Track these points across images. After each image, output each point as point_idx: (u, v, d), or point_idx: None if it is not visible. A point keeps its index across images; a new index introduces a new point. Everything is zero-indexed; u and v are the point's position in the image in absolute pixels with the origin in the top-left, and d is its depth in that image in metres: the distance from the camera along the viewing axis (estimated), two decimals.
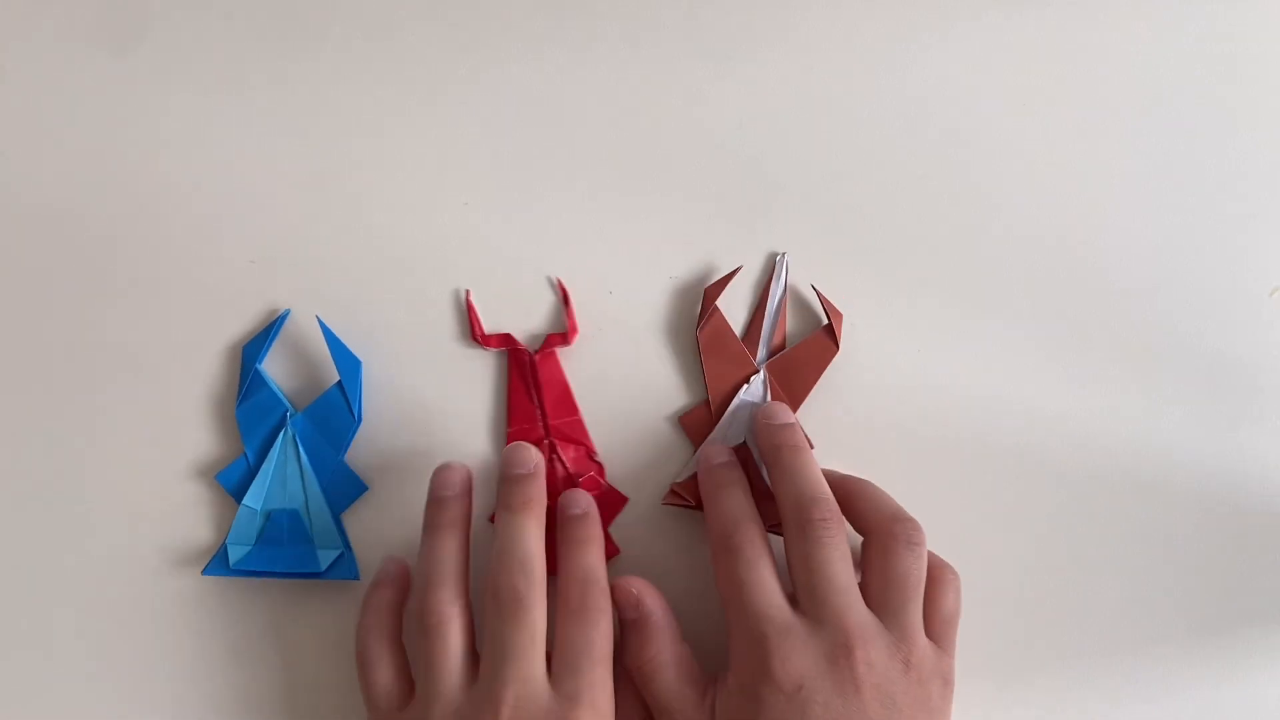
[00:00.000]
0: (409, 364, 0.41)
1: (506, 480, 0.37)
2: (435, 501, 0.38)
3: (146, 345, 0.41)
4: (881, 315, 0.41)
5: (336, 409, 0.40)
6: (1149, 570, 0.41)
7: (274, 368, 0.41)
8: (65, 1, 0.42)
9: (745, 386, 0.40)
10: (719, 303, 0.40)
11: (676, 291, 0.41)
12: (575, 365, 0.41)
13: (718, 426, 0.40)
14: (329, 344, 0.40)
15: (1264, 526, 0.41)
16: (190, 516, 0.40)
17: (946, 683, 0.36)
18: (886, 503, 0.38)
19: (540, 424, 0.40)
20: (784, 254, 0.41)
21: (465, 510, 0.38)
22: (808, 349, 0.41)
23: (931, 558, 0.37)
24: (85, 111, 0.41)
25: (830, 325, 0.41)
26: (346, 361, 0.40)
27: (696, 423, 0.40)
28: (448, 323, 0.41)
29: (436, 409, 0.40)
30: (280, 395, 0.40)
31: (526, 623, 0.35)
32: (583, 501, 0.38)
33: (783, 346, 0.41)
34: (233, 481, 0.40)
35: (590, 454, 0.40)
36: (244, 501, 0.39)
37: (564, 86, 0.42)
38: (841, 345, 0.40)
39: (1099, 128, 0.42)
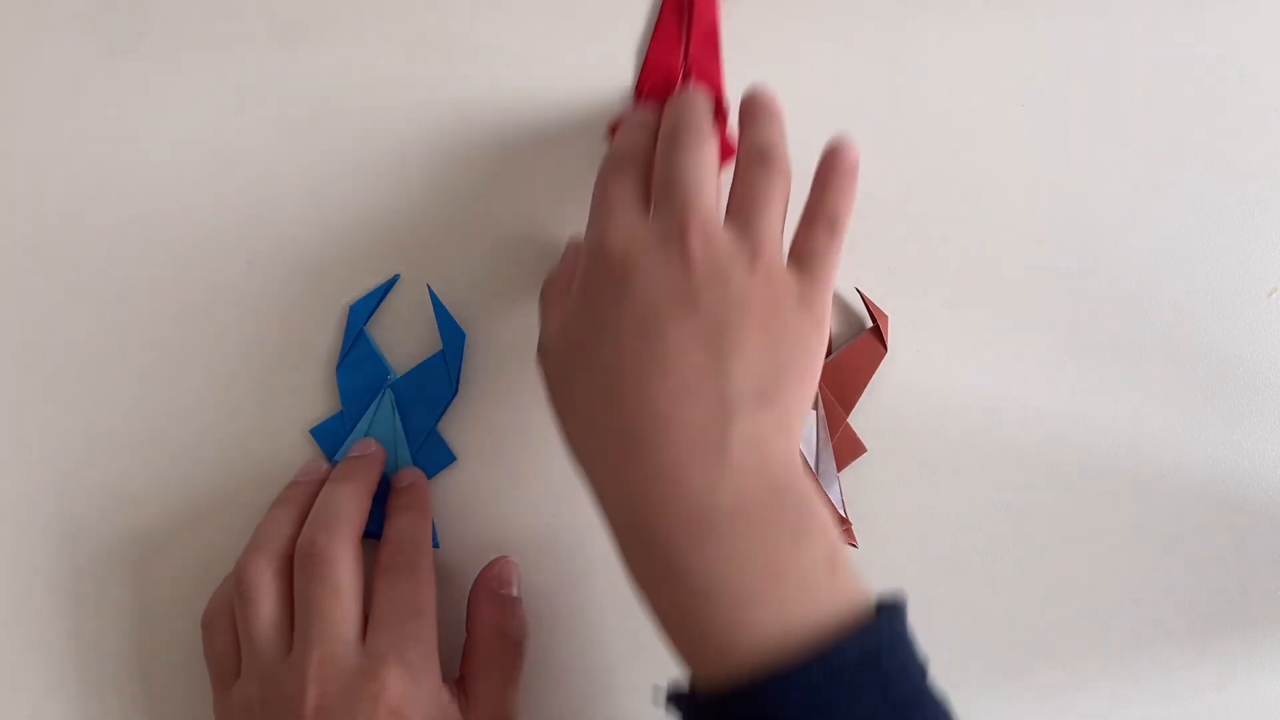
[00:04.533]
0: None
1: (344, 459, 0.39)
2: (289, 485, 0.38)
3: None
4: (865, 311, 0.41)
5: (436, 378, 0.40)
6: (1149, 570, 0.41)
7: (378, 331, 0.41)
8: (65, 1, 0.42)
9: None
10: None
11: None
12: None
13: None
14: (436, 313, 0.40)
15: (1264, 526, 0.41)
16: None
17: (804, 305, 0.33)
18: (765, 133, 0.35)
19: (681, 55, 0.38)
20: None
21: (309, 494, 0.38)
22: (856, 352, 0.40)
23: (814, 208, 0.35)
24: (83, 111, 0.41)
25: (876, 327, 0.40)
26: (452, 332, 0.40)
27: None
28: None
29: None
30: (382, 358, 0.40)
31: (329, 578, 0.34)
32: (411, 474, 0.39)
33: (829, 352, 0.41)
34: (328, 437, 0.40)
35: (721, 100, 0.38)
36: (336, 458, 0.39)
37: (564, 86, 0.42)
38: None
39: (1098, 127, 0.42)
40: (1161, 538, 0.41)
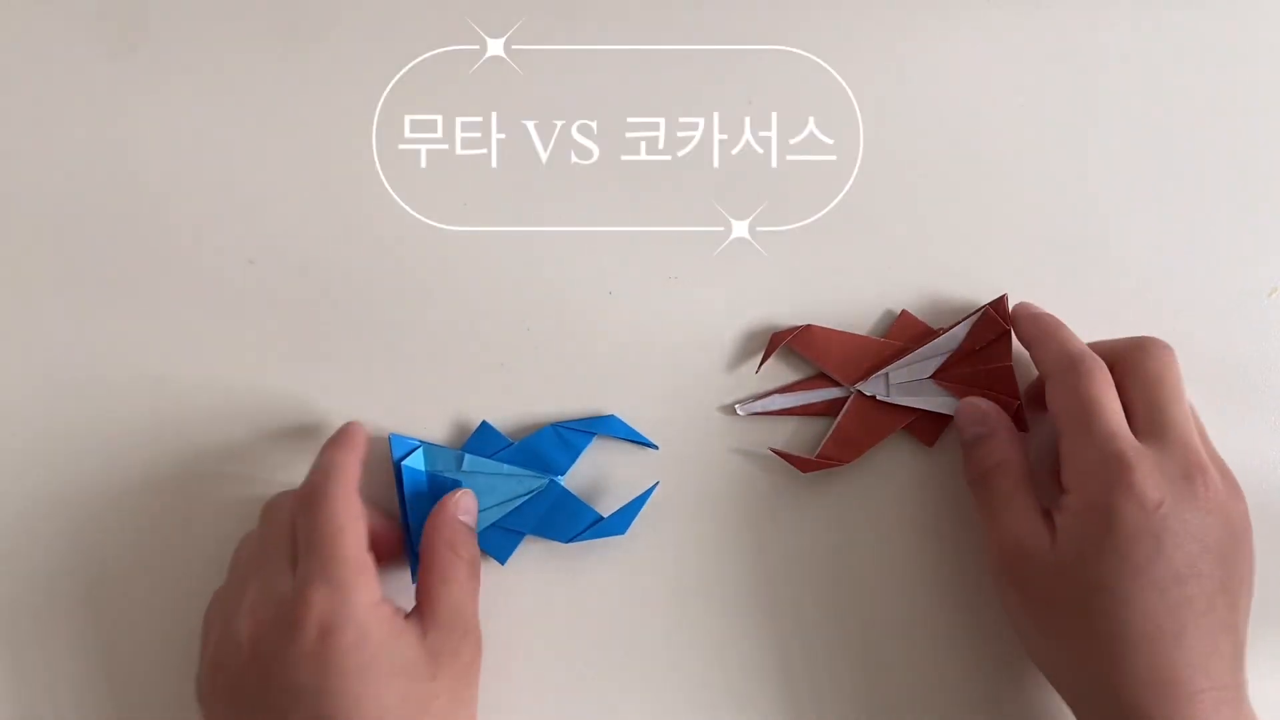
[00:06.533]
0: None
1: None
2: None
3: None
4: (879, 310, 0.41)
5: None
6: None
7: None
8: (65, 1, 0.42)
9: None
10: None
11: (676, 293, 0.41)
12: (578, 369, 0.41)
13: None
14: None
15: (1264, 526, 0.41)
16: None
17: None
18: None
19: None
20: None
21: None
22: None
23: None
24: (83, 111, 0.41)
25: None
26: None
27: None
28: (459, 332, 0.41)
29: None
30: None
31: (263, 522, 0.37)
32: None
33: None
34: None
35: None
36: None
37: (565, 85, 0.42)
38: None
39: (1099, 126, 0.42)
40: None
